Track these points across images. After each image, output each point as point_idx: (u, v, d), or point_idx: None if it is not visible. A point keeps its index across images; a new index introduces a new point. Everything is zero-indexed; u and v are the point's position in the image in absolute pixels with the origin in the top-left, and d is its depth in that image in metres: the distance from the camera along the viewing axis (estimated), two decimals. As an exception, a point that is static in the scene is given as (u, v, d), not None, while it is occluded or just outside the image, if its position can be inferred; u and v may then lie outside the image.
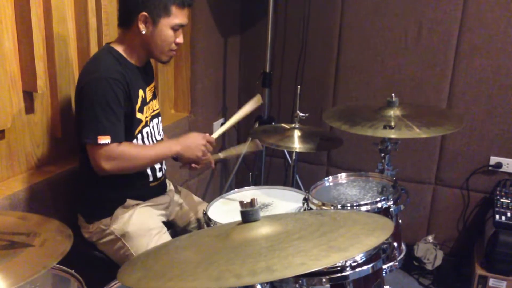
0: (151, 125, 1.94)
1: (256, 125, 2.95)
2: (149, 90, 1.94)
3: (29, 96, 1.89)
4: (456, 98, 2.81)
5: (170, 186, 2.12)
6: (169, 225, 2.06)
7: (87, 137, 1.71)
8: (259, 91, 3.01)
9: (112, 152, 1.72)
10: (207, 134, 1.99)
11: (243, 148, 2.10)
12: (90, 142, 1.71)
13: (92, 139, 1.70)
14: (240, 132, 3.35)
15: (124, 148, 1.76)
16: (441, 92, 2.83)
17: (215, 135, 2.07)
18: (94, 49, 2.07)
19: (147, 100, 1.91)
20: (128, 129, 1.80)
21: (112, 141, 1.71)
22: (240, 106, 3.33)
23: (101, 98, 1.70)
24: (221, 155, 2.06)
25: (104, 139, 1.70)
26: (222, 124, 3.21)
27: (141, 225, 1.86)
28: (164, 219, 2.01)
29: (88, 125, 1.71)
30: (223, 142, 3.31)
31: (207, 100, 3.04)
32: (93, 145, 1.71)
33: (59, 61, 1.94)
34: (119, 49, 1.83)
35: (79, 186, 1.95)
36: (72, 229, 1.21)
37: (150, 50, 1.84)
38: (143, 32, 1.78)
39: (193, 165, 1.99)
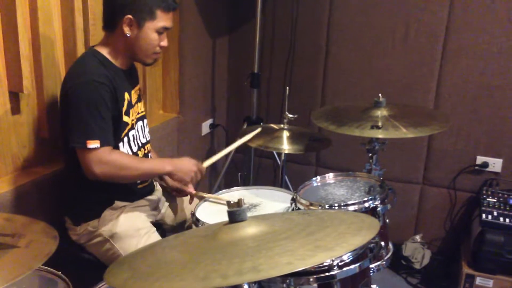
0: (136, 127, 1.93)
1: (245, 126, 2.95)
2: (134, 92, 1.93)
3: (15, 96, 1.87)
4: (442, 98, 2.83)
5: (157, 186, 2.12)
6: (158, 225, 2.05)
7: (76, 142, 1.70)
8: (247, 92, 3.03)
9: (103, 157, 1.71)
10: (199, 163, 1.99)
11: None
12: (79, 146, 1.70)
13: (81, 143, 1.69)
14: (229, 134, 3.35)
15: (117, 157, 1.76)
16: (428, 93, 2.85)
17: (206, 164, 2.07)
18: (80, 49, 2.06)
19: (133, 102, 1.90)
20: (115, 133, 1.79)
21: (102, 145, 1.70)
22: (229, 107, 3.37)
23: (88, 102, 1.69)
24: (203, 195, 2.05)
25: (93, 144, 1.69)
26: (210, 125, 3.23)
27: (130, 225, 1.86)
28: (152, 219, 2.01)
29: (76, 129, 1.70)
30: (212, 142, 3.31)
31: (196, 101, 3.03)
32: (83, 149, 1.70)
33: (45, 61, 1.93)
34: (104, 52, 1.82)
35: (65, 189, 1.94)
36: (59, 230, 1.20)
37: (135, 53, 1.83)
38: (128, 35, 1.78)
39: (174, 192, 2.09)
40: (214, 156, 2.14)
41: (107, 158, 1.72)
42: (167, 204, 2.14)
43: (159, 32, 1.81)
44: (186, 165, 1.92)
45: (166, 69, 2.83)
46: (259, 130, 2.36)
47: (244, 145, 2.32)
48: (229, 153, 2.77)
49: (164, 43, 1.85)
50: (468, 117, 2.80)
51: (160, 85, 2.85)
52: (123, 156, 1.81)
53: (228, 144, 3.38)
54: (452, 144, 2.86)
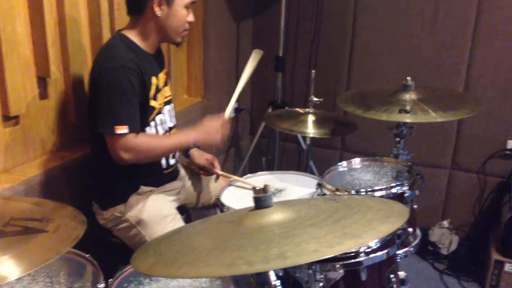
0: (163, 112, 1.93)
1: (270, 110, 2.93)
2: (161, 76, 1.93)
3: (42, 81, 1.89)
4: (473, 81, 2.76)
5: (182, 170, 2.13)
6: (183, 210, 2.07)
7: (104, 127, 1.71)
8: (272, 75, 3.00)
9: (130, 142, 1.72)
10: (220, 115, 1.96)
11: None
12: (108, 132, 1.71)
13: (110, 129, 1.70)
14: (253, 117, 3.33)
15: (143, 139, 1.77)
16: (458, 75, 2.78)
17: (227, 112, 2.03)
18: (106, 34, 2.06)
19: (160, 86, 1.90)
20: (142, 117, 1.80)
21: (130, 131, 1.71)
22: (253, 91, 3.34)
23: (117, 87, 1.70)
24: (228, 175, 2.05)
25: (122, 129, 1.69)
26: (235, 109, 3.21)
27: (156, 212, 1.87)
28: (177, 204, 2.02)
29: (105, 114, 1.71)
30: (237, 125, 3.30)
31: (220, 85, 3.02)
32: (111, 135, 1.71)
33: (72, 47, 1.94)
34: (131, 36, 1.82)
35: (92, 173, 1.96)
36: (87, 214, 1.21)
37: (165, 33, 1.83)
38: (159, 15, 1.77)
39: (200, 171, 2.07)
40: (230, 102, 2.08)
41: (134, 143, 1.73)
42: (191, 186, 2.15)
43: (187, 7, 1.82)
44: (209, 124, 1.90)
45: (191, 53, 2.82)
46: (259, 52, 2.23)
47: (269, 129, 2.28)
48: (254, 137, 2.76)
49: (191, 18, 1.86)
50: (499, 101, 2.72)
51: (184, 69, 2.85)
52: (148, 138, 1.82)
53: (252, 128, 3.37)
54: (482, 128, 2.79)
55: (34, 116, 1.88)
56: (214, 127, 1.90)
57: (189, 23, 1.86)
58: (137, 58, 1.77)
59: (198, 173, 2.12)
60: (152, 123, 1.87)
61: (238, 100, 3.21)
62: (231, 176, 2.04)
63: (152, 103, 1.84)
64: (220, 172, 2.04)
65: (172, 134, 2.01)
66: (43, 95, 1.91)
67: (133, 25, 1.84)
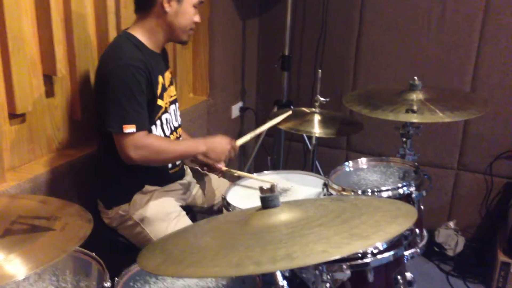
0: (169, 111, 1.93)
1: (275, 109, 2.92)
2: (167, 76, 1.93)
3: (49, 79, 1.89)
4: (480, 81, 2.74)
5: (187, 170, 2.12)
6: (188, 208, 2.06)
7: (112, 126, 1.71)
8: (278, 74, 2.99)
9: (139, 141, 1.72)
10: (233, 140, 1.99)
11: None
12: (116, 131, 1.71)
13: (118, 127, 1.69)
14: (258, 116, 3.32)
15: (152, 140, 1.77)
16: (465, 75, 2.76)
17: (240, 142, 2.07)
18: (112, 32, 2.06)
19: (166, 86, 1.90)
20: (149, 116, 1.79)
21: (138, 129, 1.70)
22: (259, 90, 3.34)
23: (124, 86, 1.70)
24: (233, 171, 2.04)
25: (130, 128, 1.69)
26: (240, 108, 3.21)
27: (160, 209, 1.87)
28: (182, 203, 2.02)
29: (113, 113, 1.71)
30: (242, 126, 3.30)
31: (226, 84, 3.02)
32: (119, 134, 1.71)
33: (78, 45, 1.94)
34: (138, 35, 1.82)
35: (98, 172, 1.96)
36: (92, 213, 1.21)
37: (172, 30, 1.83)
38: (168, 11, 1.77)
39: (205, 168, 2.02)
40: (247, 135, 2.14)
41: (143, 143, 1.72)
42: (197, 186, 2.14)
43: (195, 6, 1.82)
44: (220, 144, 1.92)
45: (196, 52, 2.82)
46: (290, 112, 2.33)
47: (274, 128, 2.29)
48: (259, 136, 2.77)
49: (197, 18, 1.87)
50: (506, 101, 2.70)
51: (190, 68, 2.84)
52: (159, 140, 1.82)
53: (257, 127, 3.36)
54: (489, 128, 2.77)
55: (41, 114, 1.88)
56: (223, 148, 1.93)
57: (195, 22, 1.86)
58: (144, 57, 1.77)
59: (202, 170, 2.10)
60: (158, 122, 1.87)
61: (243, 99, 3.24)
62: (236, 171, 2.03)
63: (159, 102, 1.84)
64: (224, 168, 2.04)
65: (181, 139, 2.03)
66: (50, 93, 1.91)
67: (140, 23, 1.83)
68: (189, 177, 2.09)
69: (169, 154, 1.83)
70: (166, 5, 1.77)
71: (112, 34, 2.05)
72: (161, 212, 1.87)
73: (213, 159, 1.93)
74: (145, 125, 1.75)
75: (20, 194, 1.70)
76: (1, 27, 1.64)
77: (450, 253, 2.81)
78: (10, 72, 1.69)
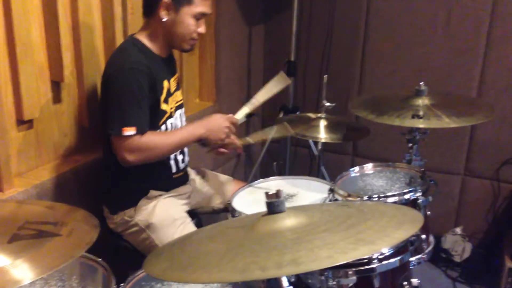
0: (175, 116, 1.93)
1: (281, 115, 2.93)
2: (173, 81, 1.94)
3: (56, 86, 1.91)
4: (486, 86, 2.73)
5: (191, 175, 2.13)
6: (193, 213, 2.07)
7: (112, 129, 1.72)
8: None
9: (135, 143, 1.72)
10: (231, 115, 1.95)
11: (271, 133, 2.05)
12: (115, 133, 1.72)
13: (117, 130, 1.70)
14: (264, 121, 3.33)
15: (147, 138, 1.76)
16: (471, 81, 2.75)
17: (238, 115, 2.02)
18: (119, 38, 2.07)
19: (172, 91, 1.91)
20: (152, 121, 1.80)
21: (138, 132, 1.71)
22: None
23: (127, 89, 1.70)
24: (249, 139, 2.02)
25: (129, 131, 1.70)
26: (246, 114, 3.20)
27: (165, 216, 1.87)
28: (187, 208, 2.02)
29: (114, 116, 1.72)
30: (248, 131, 3.30)
31: (232, 89, 3.03)
32: (117, 136, 1.71)
33: (85, 51, 1.96)
34: (143, 39, 1.83)
35: (103, 177, 1.97)
36: (98, 218, 1.21)
37: (171, 38, 1.83)
38: (164, 20, 1.77)
39: (220, 149, 1.95)
40: (244, 107, 2.06)
41: (139, 144, 1.72)
42: (201, 189, 2.14)
43: (196, 17, 1.81)
44: (216, 123, 1.88)
45: (203, 57, 2.83)
46: (282, 74, 2.21)
47: (281, 134, 2.26)
48: (264, 142, 2.75)
49: (202, 29, 1.84)
50: (513, 106, 2.69)
51: (196, 74, 2.85)
52: (152, 136, 1.78)
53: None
54: (496, 134, 2.76)
55: (48, 120, 1.89)
56: (220, 125, 1.88)
57: (199, 33, 1.84)
58: (148, 61, 1.78)
59: (222, 153, 1.98)
60: (163, 127, 1.87)
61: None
62: (247, 138, 2.00)
63: (163, 106, 1.85)
64: (239, 142, 1.98)
65: (176, 129, 1.96)
66: (57, 99, 1.92)
67: (145, 28, 1.85)
68: (193, 181, 2.10)
69: (166, 147, 1.80)
70: (162, 13, 1.77)
71: (119, 41, 2.06)
72: (167, 219, 1.87)
73: (214, 139, 1.87)
74: (145, 128, 1.75)
75: (27, 199, 1.71)
76: (9, 34, 1.66)
77: (457, 259, 2.80)
78: (18, 78, 1.70)
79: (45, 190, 1.82)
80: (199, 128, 1.85)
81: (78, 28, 1.91)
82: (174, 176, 1.96)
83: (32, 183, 1.79)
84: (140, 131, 1.72)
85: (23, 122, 1.79)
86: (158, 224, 1.85)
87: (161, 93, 1.83)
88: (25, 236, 1.06)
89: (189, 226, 1.91)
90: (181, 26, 1.80)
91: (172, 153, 1.91)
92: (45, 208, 1.25)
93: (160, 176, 1.90)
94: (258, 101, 2.10)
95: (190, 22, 1.80)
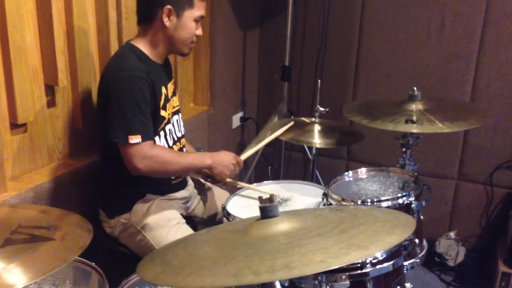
0: (172, 121, 1.94)
1: (275, 119, 2.93)
2: (170, 86, 1.94)
3: (50, 89, 1.90)
4: (480, 91, 2.75)
5: (189, 181, 2.13)
6: (189, 218, 2.07)
7: (117, 137, 1.71)
8: (278, 85, 3.01)
9: (146, 151, 1.72)
10: (237, 156, 1.99)
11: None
12: (121, 142, 1.71)
13: (123, 138, 1.70)
14: (259, 127, 3.33)
15: (159, 151, 1.77)
16: (465, 86, 2.77)
17: (243, 156, 2.07)
18: (114, 43, 2.08)
19: (169, 96, 1.91)
20: (153, 127, 1.80)
21: (143, 139, 1.71)
22: (259, 100, 3.35)
23: (128, 97, 1.71)
24: (238, 185, 2.04)
25: (135, 139, 1.70)
26: (241, 118, 3.22)
27: (160, 216, 1.87)
28: (182, 212, 2.02)
29: (117, 124, 1.71)
30: (243, 137, 3.31)
31: (226, 94, 3.03)
32: (125, 145, 1.71)
33: (80, 55, 1.96)
34: (140, 46, 1.83)
35: (100, 182, 1.96)
36: (93, 222, 1.21)
37: (173, 43, 1.84)
38: (167, 26, 1.78)
39: (208, 179, 2.02)
40: (251, 149, 2.13)
41: (149, 153, 1.73)
42: (198, 197, 2.15)
43: (196, 20, 1.83)
44: (225, 159, 1.92)
45: (197, 62, 2.84)
46: (292, 123, 2.33)
47: (275, 138, 2.30)
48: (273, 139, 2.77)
49: (200, 32, 1.87)
50: (506, 111, 2.71)
51: (191, 78, 2.86)
52: (165, 151, 1.82)
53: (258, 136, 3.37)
54: (489, 138, 2.77)
55: (42, 124, 1.89)
56: (228, 163, 1.92)
57: (197, 36, 1.87)
58: (147, 68, 1.78)
59: (205, 181, 2.11)
60: (162, 133, 1.87)
61: (244, 109, 3.25)
62: (239, 183, 2.03)
63: (162, 112, 1.85)
64: (228, 180, 2.04)
65: (185, 150, 2.03)
66: (51, 103, 1.92)
67: (143, 35, 1.85)
68: (190, 188, 2.10)
69: (175, 166, 1.82)
70: (165, 20, 1.78)
71: (114, 45, 2.07)
72: (162, 219, 1.87)
73: (218, 174, 1.92)
74: (150, 135, 1.76)
75: (20, 203, 1.70)
76: (3, 38, 1.66)
77: (450, 263, 2.81)
78: (12, 82, 1.70)
79: (40, 194, 1.81)
80: (208, 159, 1.89)
81: (72, 32, 1.91)
82: (173, 181, 1.97)
83: (26, 187, 1.78)
84: (146, 138, 1.72)
85: (17, 126, 1.78)
86: (152, 225, 1.85)
87: (160, 100, 1.83)
88: (18, 240, 1.06)
89: (184, 227, 1.91)
90: (183, 30, 1.82)
91: (178, 174, 1.94)
92: (38, 212, 1.25)
93: (158, 181, 1.90)
94: (263, 143, 2.20)
95: (191, 25, 1.83)
